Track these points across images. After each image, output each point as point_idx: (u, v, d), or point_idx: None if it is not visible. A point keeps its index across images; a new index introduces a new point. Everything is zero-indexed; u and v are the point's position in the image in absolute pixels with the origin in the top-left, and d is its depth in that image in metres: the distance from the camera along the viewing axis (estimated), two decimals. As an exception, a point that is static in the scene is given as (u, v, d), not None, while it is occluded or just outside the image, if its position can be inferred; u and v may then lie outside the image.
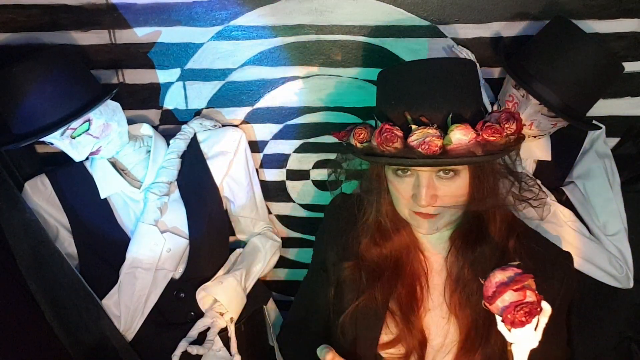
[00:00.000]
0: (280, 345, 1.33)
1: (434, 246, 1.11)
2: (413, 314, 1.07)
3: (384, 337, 1.09)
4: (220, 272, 1.50)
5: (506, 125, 0.95)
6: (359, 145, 1.02)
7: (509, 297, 0.87)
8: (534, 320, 0.90)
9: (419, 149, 0.91)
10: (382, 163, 1.00)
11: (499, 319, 0.91)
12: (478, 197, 0.99)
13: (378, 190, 1.07)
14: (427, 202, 0.96)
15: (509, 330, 0.90)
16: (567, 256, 1.10)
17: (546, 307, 0.90)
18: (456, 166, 0.95)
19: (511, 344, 0.93)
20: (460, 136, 0.92)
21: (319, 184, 1.66)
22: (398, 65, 1.05)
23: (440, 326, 1.08)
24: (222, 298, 1.42)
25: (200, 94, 1.57)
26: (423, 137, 0.91)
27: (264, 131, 1.61)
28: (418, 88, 0.95)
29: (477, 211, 1.02)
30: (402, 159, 0.93)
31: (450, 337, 1.07)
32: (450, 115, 0.94)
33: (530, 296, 0.87)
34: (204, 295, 1.45)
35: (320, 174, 1.65)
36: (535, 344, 0.92)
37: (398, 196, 1.02)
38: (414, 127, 0.93)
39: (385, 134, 0.94)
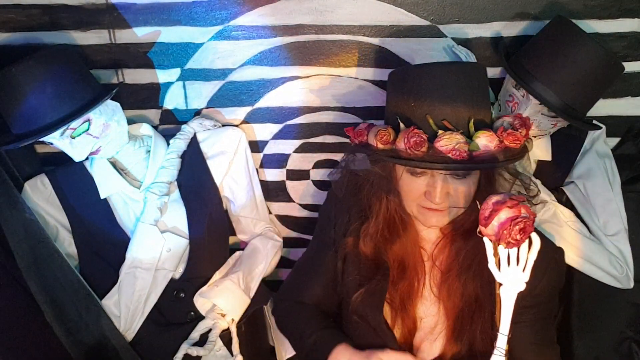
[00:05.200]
0: (276, 317, 1.39)
1: (429, 234, 1.18)
2: (410, 303, 1.14)
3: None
4: (217, 275, 1.49)
5: (520, 131, 1.01)
6: (380, 146, 1.04)
7: (505, 214, 0.91)
8: (523, 255, 0.96)
9: (449, 155, 0.96)
10: (410, 166, 1.02)
11: (490, 251, 0.96)
12: (484, 197, 1.03)
13: (388, 189, 1.10)
14: (442, 199, 1.02)
15: (506, 250, 0.95)
16: (557, 250, 1.15)
17: (536, 241, 0.95)
18: None
19: (500, 285, 0.98)
20: (486, 142, 0.98)
21: (319, 184, 1.66)
22: (414, 67, 1.08)
23: (432, 313, 1.15)
24: (219, 301, 1.42)
25: (200, 93, 1.56)
26: (453, 143, 0.96)
27: (264, 131, 1.61)
28: (439, 92, 0.99)
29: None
30: (433, 164, 0.97)
31: (440, 323, 1.14)
32: (472, 121, 0.99)
33: (525, 212, 0.91)
34: (202, 301, 1.45)
35: (321, 174, 1.65)
36: (522, 286, 0.98)
37: (409, 193, 1.07)
38: (440, 132, 0.98)
39: (415, 139, 0.97)
